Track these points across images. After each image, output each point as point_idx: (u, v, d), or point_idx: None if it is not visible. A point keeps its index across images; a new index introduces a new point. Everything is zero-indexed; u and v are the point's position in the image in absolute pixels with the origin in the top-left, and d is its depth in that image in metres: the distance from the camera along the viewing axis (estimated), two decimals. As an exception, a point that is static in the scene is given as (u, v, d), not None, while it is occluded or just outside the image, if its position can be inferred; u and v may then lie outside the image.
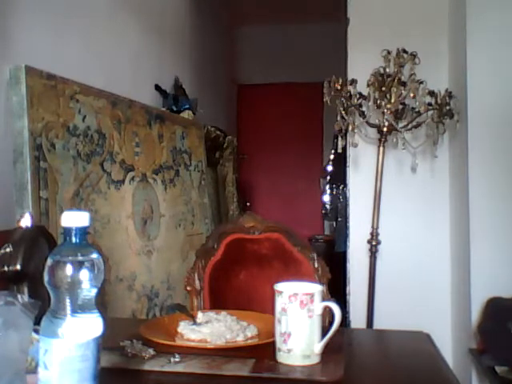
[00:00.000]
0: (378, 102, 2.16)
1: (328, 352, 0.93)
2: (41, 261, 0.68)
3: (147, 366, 0.91)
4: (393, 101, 2.14)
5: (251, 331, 1.09)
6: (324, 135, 5.20)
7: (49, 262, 0.64)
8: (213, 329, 1.07)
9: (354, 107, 2.20)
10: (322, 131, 5.20)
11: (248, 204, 4.68)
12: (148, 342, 0.99)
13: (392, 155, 2.41)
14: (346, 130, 2.25)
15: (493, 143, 2.12)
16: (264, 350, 0.96)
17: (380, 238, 2.36)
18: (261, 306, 1.23)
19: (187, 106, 2.88)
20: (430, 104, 2.13)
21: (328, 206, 4.86)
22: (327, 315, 1.12)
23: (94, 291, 0.65)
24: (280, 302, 0.94)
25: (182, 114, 2.83)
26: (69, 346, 0.62)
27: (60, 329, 0.63)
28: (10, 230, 1.09)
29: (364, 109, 2.21)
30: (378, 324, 2.31)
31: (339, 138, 2.27)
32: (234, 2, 4.61)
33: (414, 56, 2.19)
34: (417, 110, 2.16)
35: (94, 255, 0.66)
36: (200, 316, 1.16)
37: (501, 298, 1.99)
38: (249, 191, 4.85)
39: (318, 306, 0.93)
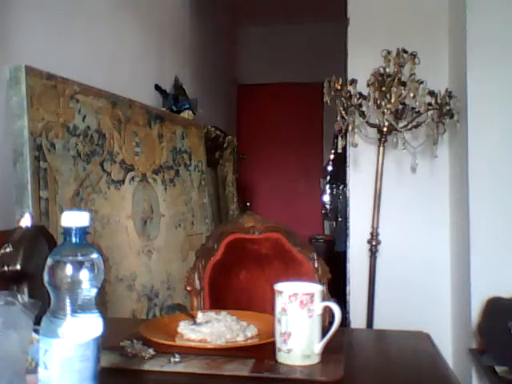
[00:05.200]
0: (378, 101, 2.16)
1: (328, 352, 0.93)
2: (41, 261, 0.68)
3: (147, 366, 0.91)
4: (393, 101, 2.14)
5: (251, 331, 1.09)
6: (324, 135, 5.19)
7: (49, 261, 0.64)
8: (213, 329, 1.07)
9: (354, 107, 2.20)
10: (321, 131, 5.20)
11: (248, 204, 4.68)
12: (148, 342, 0.99)
13: (392, 155, 2.41)
14: (346, 130, 2.25)
15: (493, 143, 2.12)
16: (264, 350, 0.96)
17: (380, 237, 2.36)
18: (261, 306, 1.23)
19: (187, 106, 2.88)
20: (430, 104, 2.13)
21: (328, 206, 4.85)
22: (327, 315, 1.12)
23: (94, 291, 0.65)
24: (280, 302, 0.94)
25: (182, 114, 2.83)
26: (69, 346, 0.62)
27: (60, 329, 0.63)
28: (10, 230, 1.09)
29: (364, 109, 2.21)
30: (378, 324, 2.31)
31: (339, 138, 2.27)
32: (234, 2, 4.61)
33: (414, 56, 2.19)
34: (417, 109, 2.16)
35: (94, 255, 0.66)
36: (200, 316, 1.16)
37: (501, 298, 1.99)
38: (249, 191, 4.85)
39: (318, 306, 0.93)
